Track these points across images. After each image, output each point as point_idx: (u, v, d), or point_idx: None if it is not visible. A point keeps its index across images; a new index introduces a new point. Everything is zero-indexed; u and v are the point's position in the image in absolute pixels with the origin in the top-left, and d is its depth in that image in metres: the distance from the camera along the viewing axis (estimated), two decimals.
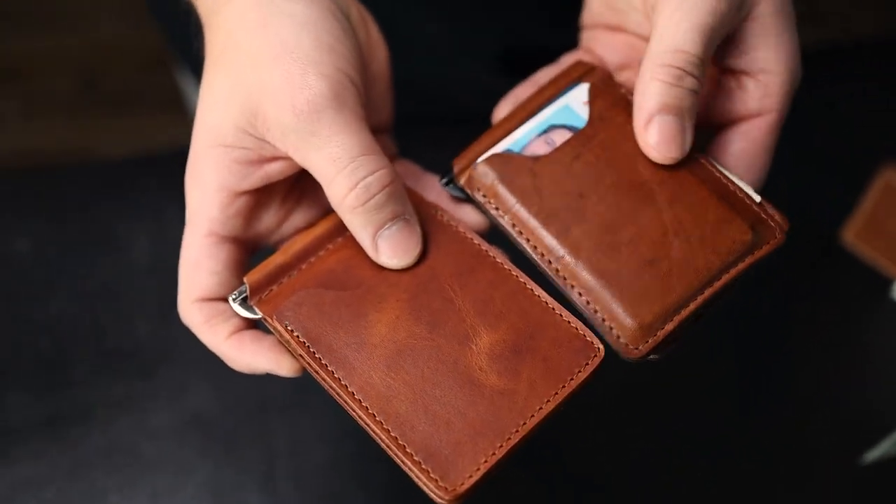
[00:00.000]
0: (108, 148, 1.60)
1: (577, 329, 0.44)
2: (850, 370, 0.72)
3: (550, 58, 0.54)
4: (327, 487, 0.67)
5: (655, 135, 0.45)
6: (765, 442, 0.69)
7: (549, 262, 0.45)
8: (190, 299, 0.47)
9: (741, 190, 0.46)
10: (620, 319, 0.43)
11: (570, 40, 0.55)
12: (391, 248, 0.45)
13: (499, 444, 0.42)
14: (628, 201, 0.45)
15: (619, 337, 0.43)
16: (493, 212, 0.47)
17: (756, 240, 0.44)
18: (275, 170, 0.46)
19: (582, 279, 0.44)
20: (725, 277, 0.44)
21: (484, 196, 0.47)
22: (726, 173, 0.47)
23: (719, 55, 0.47)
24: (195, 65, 0.80)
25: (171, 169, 0.77)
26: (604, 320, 0.44)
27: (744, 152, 0.48)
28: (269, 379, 0.68)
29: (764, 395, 0.70)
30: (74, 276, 0.73)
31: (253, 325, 0.48)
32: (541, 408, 0.42)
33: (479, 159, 0.48)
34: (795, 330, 0.73)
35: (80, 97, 1.66)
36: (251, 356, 0.46)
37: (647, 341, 0.43)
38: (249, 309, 0.47)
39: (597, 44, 0.52)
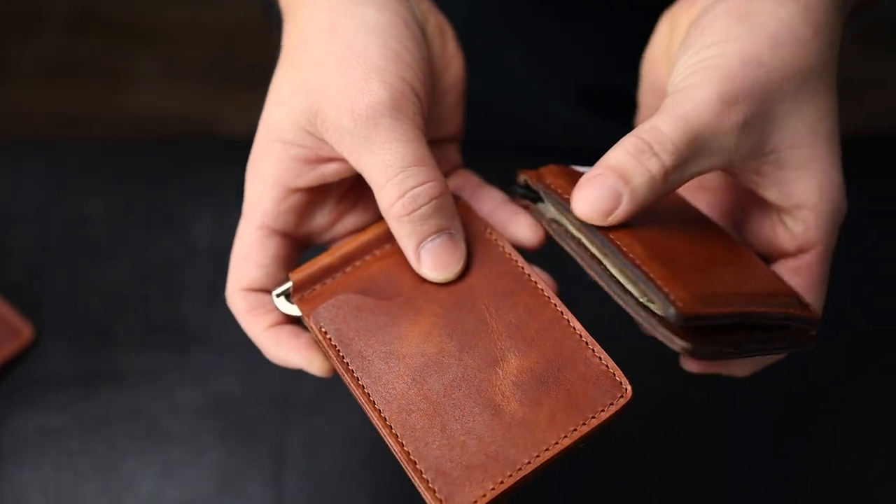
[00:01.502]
0: (234, 124, 1.65)
1: (607, 367, 0.43)
2: None
3: (623, 97, 0.53)
4: (334, 492, 0.68)
5: (586, 189, 0.42)
6: None
7: (609, 234, 0.43)
8: (237, 287, 0.49)
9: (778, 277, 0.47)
10: (672, 285, 0.41)
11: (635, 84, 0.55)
12: (433, 261, 0.46)
13: (508, 474, 0.41)
14: (689, 231, 0.46)
15: (668, 294, 0.40)
16: (558, 196, 0.46)
17: (800, 304, 0.44)
18: (330, 171, 0.47)
19: (639, 251, 0.42)
20: (773, 309, 0.43)
21: (550, 185, 0.46)
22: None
23: (757, 186, 0.46)
24: None
25: (245, 154, 0.81)
26: (656, 280, 0.41)
27: (797, 289, 0.46)
28: (293, 376, 0.70)
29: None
30: (135, 245, 0.76)
31: (293, 320, 0.49)
32: (557, 442, 0.42)
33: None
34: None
35: (214, 69, 1.72)
36: (286, 351, 0.48)
37: (694, 307, 0.40)
38: (290, 306, 0.48)
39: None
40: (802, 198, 0.44)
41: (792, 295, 0.45)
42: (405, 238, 0.46)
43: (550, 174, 0.47)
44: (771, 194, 0.45)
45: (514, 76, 0.74)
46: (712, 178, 0.51)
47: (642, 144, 0.42)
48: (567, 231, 0.46)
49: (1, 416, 0.69)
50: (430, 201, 0.44)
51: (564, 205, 0.45)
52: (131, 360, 0.72)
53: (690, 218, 0.47)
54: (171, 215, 0.78)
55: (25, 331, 0.71)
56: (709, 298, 0.41)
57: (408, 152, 0.44)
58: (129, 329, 0.73)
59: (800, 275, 0.46)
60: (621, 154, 0.42)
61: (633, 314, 0.43)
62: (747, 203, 0.49)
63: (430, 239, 0.45)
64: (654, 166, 0.42)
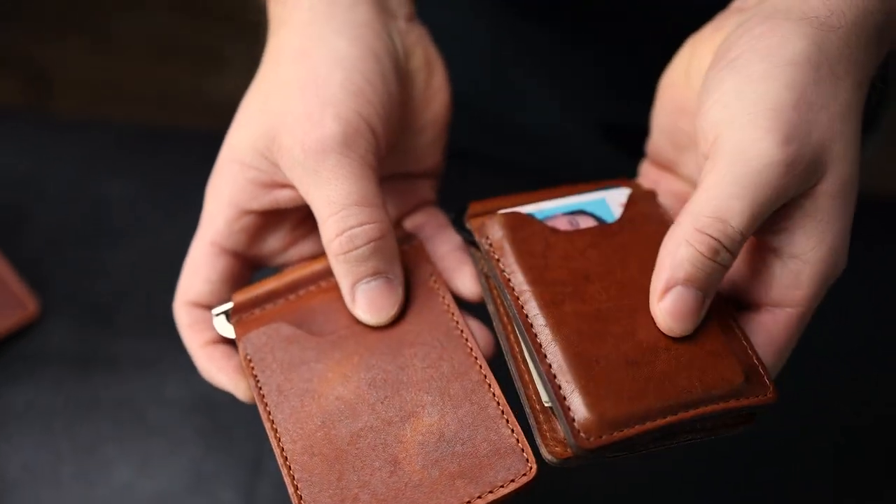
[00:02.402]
0: None
1: (517, 442, 0.41)
2: None
3: (645, 136, 0.51)
4: None
5: (670, 305, 0.40)
6: None
7: (531, 325, 0.42)
8: (183, 300, 0.49)
9: (745, 337, 0.42)
10: (582, 403, 0.39)
11: None
12: (367, 303, 0.45)
13: None
14: (630, 301, 0.42)
15: (574, 420, 0.39)
16: (494, 262, 0.45)
17: (745, 388, 0.40)
18: (284, 197, 0.47)
19: (556, 352, 0.41)
20: (702, 409, 0.40)
21: (490, 246, 0.45)
22: (736, 319, 0.43)
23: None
24: None
25: None
26: (564, 399, 0.40)
27: (756, 346, 0.42)
28: None
29: None
30: (150, 233, 0.76)
31: (230, 341, 0.48)
32: None
33: (500, 210, 0.46)
34: None
35: None
36: (216, 371, 0.47)
37: (601, 437, 0.39)
38: (227, 326, 0.47)
39: (646, 181, 0.50)
40: (804, 251, 0.41)
41: (740, 370, 0.41)
42: (341, 276, 0.45)
43: (494, 226, 0.45)
44: (774, 237, 0.41)
45: (535, 104, 0.72)
46: None
47: (714, 244, 0.39)
48: (492, 293, 0.45)
49: None
50: (367, 243, 0.43)
51: (493, 265, 0.44)
52: (128, 347, 0.72)
53: (646, 271, 0.43)
54: (189, 206, 0.77)
55: (31, 305, 0.71)
56: (623, 417, 0.39)
57: (352, 190, 0.43)
58: (130, 317, 0.73)
59: (766, 331, 0.42)
60: (697, 260, 0.39)
61: (527, 399, 0.42)
62: None
63: (365, 280, 0.44)
64: (726, 261, 0.40)
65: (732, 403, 0.40)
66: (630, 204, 0.47)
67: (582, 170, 0.52)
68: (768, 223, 0.41)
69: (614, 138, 0.65)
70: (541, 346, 0.41)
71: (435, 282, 0.46)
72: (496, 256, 0.45)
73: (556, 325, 0.41)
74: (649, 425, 0.39)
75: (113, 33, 1.73)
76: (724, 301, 0.43)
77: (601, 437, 0.39)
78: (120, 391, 0.70)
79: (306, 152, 0.43)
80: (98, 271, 0.75)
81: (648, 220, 0.45)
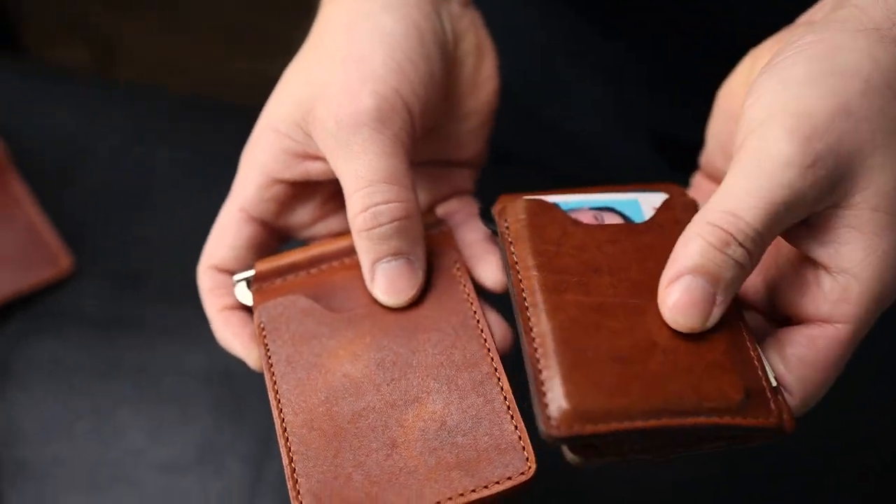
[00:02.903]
0: None
1: (519, 440, 0.41)
2: None
3: (695, 149, 0.51)
4: None
5: (676, 295, 0.38)
6: None
7: (527, 307, 0.41)
8: (207, 264, 0.49)
9: (760, 360, 0.40)
10: (559, 390, 0.38)
11: None
12: (386, 283, 0.44)
13: None
14: (638, 301, 0.41)
15: (547, 406, 0.37)
16: (507, 243, 0.44)
17: (743, 406, 0.38)
18: (316, 169, 0.46)
19: (544, 333, 0.39)
20: (690, 420, 0.37)
21: (507, 229, 0.44)
22: (754, 341, 0.41)
23: (798, 236, 0.41)
24: None
25: None
26: (543, 382, 0.38)
27: (801, 360, 0.40)
28: None
29: None
30: (189, 201, 0.77)
31: (248, 308, 0.48)
32: (439, 502, 0.39)
33: (525, 197, 0.45)
34: None
35: None
36: (231, 337, 0.47)
37: (572, 427, 0.37)
38: (247, 294, 0.47)
39: (698, 193, 0.49)
40: (854, 265, 0.39)
41: (741, 387, 0.39)
42: (362, 253, 0.44)
43: (514, 210, 0.44)
44: (822, 251, 0.40)
45: (583, 106, 0.71)
46: None
47: (725, 236, 0.37)
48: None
49: (21, 337, 0.71)
50: (391, 221, 0.43)
51: (505, 246, 0.43)
52: (154, 314, 0.72)
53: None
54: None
55: (65, 262, 0.72)
56: (600, 412, 0.37)
57: (381, 167, 0.42)
58: (160, 284, 0.73)
59: (813, 346, 0.40)
60: (705, 250, 0.38)
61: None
62: (777, 252, 0.44)
63: (386, 260, 0.44)
64: (742, 257, 0.38)
65: (726, 419, 0.38)
66: (664, 208, 0.45)
67: (624, 179, 0.51)
68: (817, 240, 0.40)
69: (661, 148, 0.64)
70: (531, 328, 0.40)
71: (458, 269, 0.46)
72: (510, 239, 0.44)
73: (552, 310, 0.40)
74: (627, 425, 0.37)
75: (181, 12, 1.75)
76: (742, 320, 0.41)
77: (572, 427, 0.37)
78: (141, 356, 0.71)
79: (339, 125, 0.42)
80: (135, 236, 0.75)
81: (679, 227, 0.44)
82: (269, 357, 0.44)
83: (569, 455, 0.39)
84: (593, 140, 0.71)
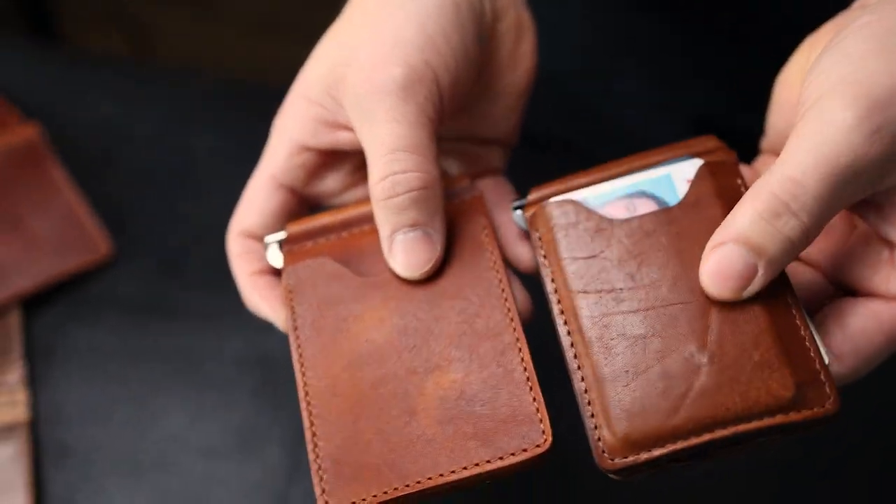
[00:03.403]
0: None
1: (537, 411, 0.40)
2: None
3: (745, 138, 0.50)
4: None
5: (714, 264, 0.38)
6: None
7: (569, 332, 0.41)
8: (236, 230, 0.50)
9: (812, 339, 0.39)
10: (609, 421, 0.39)
11: (760, 125, 0.50)
12: (402, 255, 0.44)
13: (395, 487, 0.40)
14: (677, 302, 0.40)
15: (599, 439, 0.39)
16: (541, 258, 0.44)
17: (796, 400, 0.38)
18: (345, 138, 0.46)
19: (592, 363, 0.40)
20: (741, 427, 0.38)
21: (540, 239, 0.44)
22: (805, 316, 0.40)
23: (868, 216, 0.40)
24: None
25: None
26: (592, 415, 0.39)
27: (862, 332, 0.40)
28: None
29: None
30: (229, 186, 0.76)
31: (277, 272, 0.49)
32: (454, 472, 0.40)
33: (553, 199, 0.45)
34: None
35: None
36: (258, 300, 0.48)
37: (626, 457, 0.38)
38: (278, 255, 0.48)
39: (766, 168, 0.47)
40: None
41: (791, 383, 0.38)
42: (381, 223, 0.44)
43: (542, 219, 0.44)
44: (893, 231, 0.39)
45: (624, 90, 0.70)
46: None
47: (778, 205, 0.37)
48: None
49: (61, 323, 0.71)
50: (408, 191, 0.43)
51: (541, 262, 0.44)
52: (193, 300, 0.72)
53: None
54: None
55: (104, 247, 0.72)
56: (650, 437, 0.38)
57: (403, 136, 0.42)
58: (200, 267, 0.73)
59: (876, 320, 0.40)
60: (753, 219, 0.37)
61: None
62: (849, 228, 0.43)
63: (403, 231, 0.43)
64: (793, 230, 0.37)
65: (779, 419, 0.37)
66: (698, 180, 0.43)
67: None
68: (885, 216, 0.39)
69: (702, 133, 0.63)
70: (576, 356, 0.41)
71: (486, 236, 0.45)
72: (543, 252, 0.44)
73: (597, 336, 0.40)
74: (680, 445, 0.38)
75: (215, 4, 1.76)
76: (792, 296, 0.40)
77: (626, 457, 0.38)
78: (180, 342, 0.71)
79: (366, 92, 0.43)
80: (174, 222, 0.75)
81: (716, 200, 0.42)
82: (295, 320, 0.45)
83: (627, 476, 0.39)
84: (634, 126, 0.71)
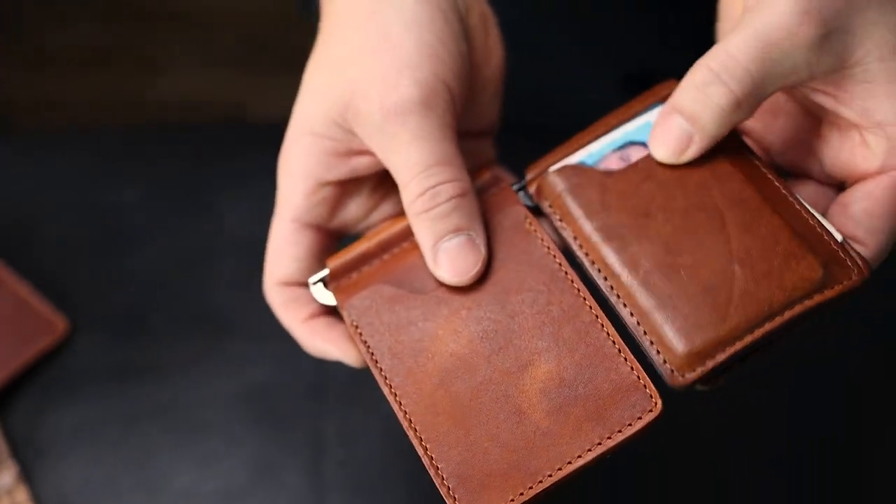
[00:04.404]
0: (265, 108, 1.64)
1: (638, 379, 0.41)
2: None
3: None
4: (372, 480, 0.67)
5: (654, 130, 0.43)
6: None
7: (605, 277, 0.43)
8: (273, 282, 0.49)
9: (821, 225, 0.43)
10: (669, 344, 0.41)
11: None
12: (449, 263, 0.44)
13: (529, 486, 0.40)
14: (695, 225, 0.43)
15: (665, 361, 0.41)
16: (557, 223, 0.46)
17: (826, 279, 0.41)
18: (362, 164, 0.46)
19: (634, 299, 0.42)
20: (788, 314, 0.41)
21: (550, 206, 0.46)
22: (808, 207, 0.44)
23: (825, 108, 0.43)
24: None
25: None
26: (651, 343, 0.42)
27: (867, 213, 0.43)
28: (328, 365, 0.68)
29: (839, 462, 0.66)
30: (170, 233, 0.75)
31: (329, 310, 0.49)
32: (580, 456, 0.40)
33: (551, 168, 0.47)
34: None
35: (245, 53, 1.72)
36: (322, 343, 0.47)
37: (695, 370, 0.41)
38: (327, 294, 0.47)
39: None
40: (886, 116, 0.42)
41: (818, 263, 0.41)
42: (423, 236, 0.44)
43: (548, 186, 0.46)
44: (851, 112, 0.42)
45: (558, 63, 0.72)
46: (781, 102, 0.48)
47: (709, 75, 0.40)
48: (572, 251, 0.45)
49: (38, 410, 0.69)
50: (449, 199, 0.44)
51: (559, 227, 0.45)
52: (166, 350, 0.71)
53: (706, 188, 0.44)
54: (206, 203, 0.77)
55: (60, 324, 0.71)
56: (711, 345, 0.41)
57: (433, 152, 0.43)
58: (163, 319, 0.72)
59: (873, 198, 0.43)
60: (687, 89, 0.41)
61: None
62: (820, 125, 0.46)
63: (447, 238, 0.44)
64: (722, 98, 0.40)
65: (817, 299, 0.41)
66: None
67: None
68: (843, 101, 0.42)
69: (639, 89, 0.67)
70: (618, 296, 0.43)
71: (530, 224, 0.46)
72: (558, 216, 0.46)
73: (631, 272, 0.43)
74: (738, 346, 0.40)
75: (47, 49, 1.69)
76: (791, 194, 0.44)
77: (695, 370, 0.41)
78: (165, 395, 0.70)
79: (386, 117, 0.43)
80: (121, 280, 0.74)
81: None
82: (372, 353, 0.44)
83: (699, 387, 0.41)
84: (570, 92, 0.73)
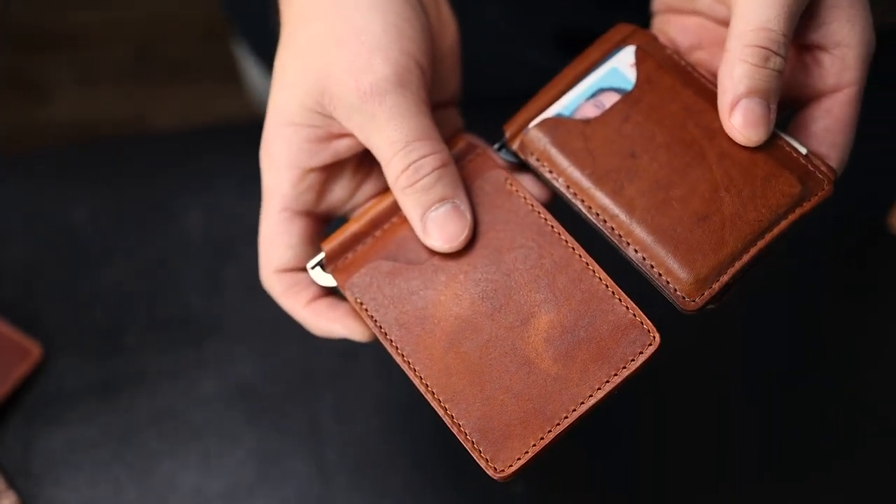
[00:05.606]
0: (163, 118, 1.62)
1: (634, 316, 0.44)
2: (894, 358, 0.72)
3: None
4: (374, 457, 0.69)
5: (741, 118, 0.45)
6: (805, 432, 0.70)
7: (605, 220, 0.46)
8: (270, 271, 0.50)
9: (788, 144, 0.47)
10: (676, 273, 0.45)
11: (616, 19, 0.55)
12: (437, 230, 0.46)
13: (548, 430, 0.43)
14: (679, 159, 0.46)
15: (676, 290, 0.45)
16: (548, 175, 0.48)
17: (805, 192, 0.45)
18: (343, 146, 0.48)
19: (637, 236, 0.45)
20: (776, 230, 0.45)
21: (538, 160, 0.48)
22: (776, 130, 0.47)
23: (797, 30, 0.47)
24: (254, 38, 0.81)
25: (226, 141, 0.79)
26: (660, 275, 0.45)
27: (827, 130, 0.47)
28: (313, 349, 0.71)
29: (806, 386, 0.71)
30: (129, 246, 0.75)
31: (329, 292, 0.50)
32: (591, 395, 0.43)
33: (531, 124, 0.49)
34: (841, 317, 0.73)
35: (136, 67, 1.69)
36: (327, 323, 0.49)
37: (704, 293, 0.44)
38: (326, 276, 0.49)
39: (669, 26, 0.52)
40: (844, 37, 0.46)
41: (795, 179, 0.45)
42: (411, 209, 0.46)
43: (531, 141, 0.48)
44: (815, 34, 0.46)
45: (491, 29, 0.74)
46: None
47: (762, 52, 0.43)
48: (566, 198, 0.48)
49: (26, 438, 0.68)
50: (432, 171, 0.46)
51: (550, 178, 0.47)
52: (146, 361, 0.71)
53: (682, 123, 0.47)
54: (159, 211, 0.76)
55: (34, 350, 0.69)
56: (715, 268, 0.44)
57: (412, 127, 0.45)
58: (137, 331, 0.72)
59: (831, 115, 0.47)
60: (751, 72, 0.44)
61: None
62: None
63: (434, 208, 0.46)
64: (777, 65, 0.44)
65: (799, 212, 0.45)
66: (640, 62, 0.49)
67: (537, 88, 0.54)
68: (810, 27, 0.46)
69: (572, 50, 0.70)
70: (620, 236, 0.46)
71: (511, 185, 0.48)
72: (546, 168, 0.48)
73: (628, 212, 0.46)
74: (738, 265, 0.44)
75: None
76: None
77: (703, 293, 0.44)
78: (154, 405, 0.70)
79: (362, 98, 0.44)
80: (88, 298, 0.73)
81: (663, 71, 0.48)
82: (381, 327, 0.46)
83: (710, 307, 0.45)
84: (507, 56, 0.74)
